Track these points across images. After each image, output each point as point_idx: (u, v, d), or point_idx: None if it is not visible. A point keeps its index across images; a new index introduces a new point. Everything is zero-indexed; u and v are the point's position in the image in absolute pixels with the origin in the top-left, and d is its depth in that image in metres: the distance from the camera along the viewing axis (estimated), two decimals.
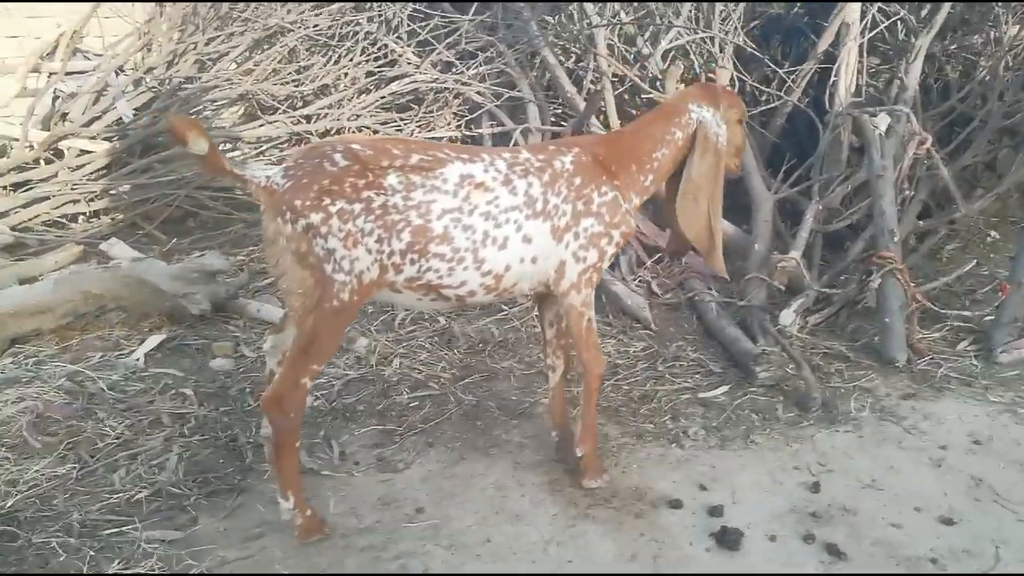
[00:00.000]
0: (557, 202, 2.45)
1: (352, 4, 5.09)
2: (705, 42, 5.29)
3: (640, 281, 4.18)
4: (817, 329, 3.68)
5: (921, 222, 4.29)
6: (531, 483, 2.67)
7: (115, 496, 2.57)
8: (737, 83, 5.04)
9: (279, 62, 5.27)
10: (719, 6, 5.32)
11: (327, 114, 5.19)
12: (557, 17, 5.64)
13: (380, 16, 5.20)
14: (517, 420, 3.07)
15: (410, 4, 5.09)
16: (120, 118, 5.18)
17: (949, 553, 2.28)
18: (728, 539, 2.33)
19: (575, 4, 5.49)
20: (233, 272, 4.14)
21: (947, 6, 4.63)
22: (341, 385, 3.31)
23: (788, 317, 3.42)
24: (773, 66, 5.03)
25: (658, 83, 4.99)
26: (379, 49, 5.26)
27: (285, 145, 5.23)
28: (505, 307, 3.99)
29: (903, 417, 3.00)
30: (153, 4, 5.47)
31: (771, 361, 3.22)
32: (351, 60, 5.20)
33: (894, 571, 2.24)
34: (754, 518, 2.45)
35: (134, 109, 5.25)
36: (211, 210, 5.27)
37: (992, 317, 3.54)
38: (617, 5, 5.50)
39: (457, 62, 5.10)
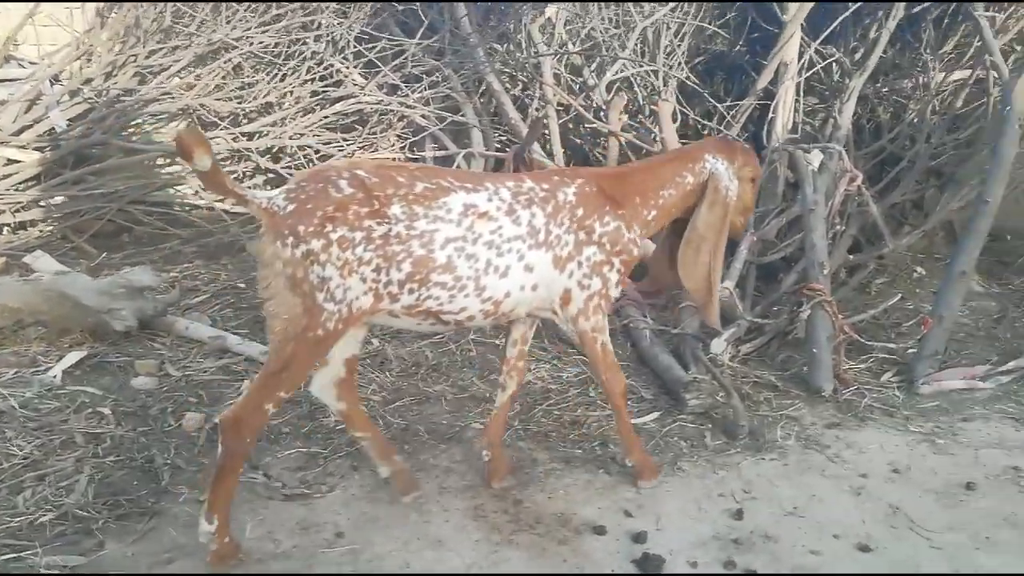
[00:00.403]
0: (559, 233, 2.51)
1: (300, 22, 5.05)
2: (649, 75, 5.40)
3: None
4: (748, 358, 3.73)
5: (851, 256, 4.40)
6: (455, 508, 2.62)
7: (17, 519, 2.45)
8: (679, 116, 5.15)
9: (222, 78, 5.21)
10: (663, 41, 5.44)
11: (269, 132, 5.13)
12: (505, 45, 5.70)
13: (327, 36, 5.17)
14: (446, 444, 3.03)
15: (357, 26, 5.07)
16: (53, 128, 5.05)
17: None
18: (649, 565, 2.32)
19: (523, 34, 5.57)
20: (163, 289, 4.04)
21: (878, 51, 4.80)
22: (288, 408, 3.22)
23: (719, 346, 3.46)
24: (714, 101, 5.14)
25: (602, 113, 5.07)
26: (324, 68, 5.23)
27: (226, 162, 5.15)
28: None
29: (827, 446, 3.04)
30: (94, 14, 5.36)
31: (701, 389, 3.25)
32: (296, 78, 5.16)
33: None
34: (677, 544, 2.44)
35: (68, 120, 5.12)
36: (146, 225, 5.16)
37: (915, 350, 3.64)
38: (565, 35, 5.59)
39: (402, 85, 5.09)
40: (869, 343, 3.71)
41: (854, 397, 3.38)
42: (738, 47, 5.76)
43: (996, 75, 4.35)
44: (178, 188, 5.37)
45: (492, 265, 2.40)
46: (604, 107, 5.04)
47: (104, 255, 4.85)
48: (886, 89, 5.33)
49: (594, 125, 5.00)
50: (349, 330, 2.32)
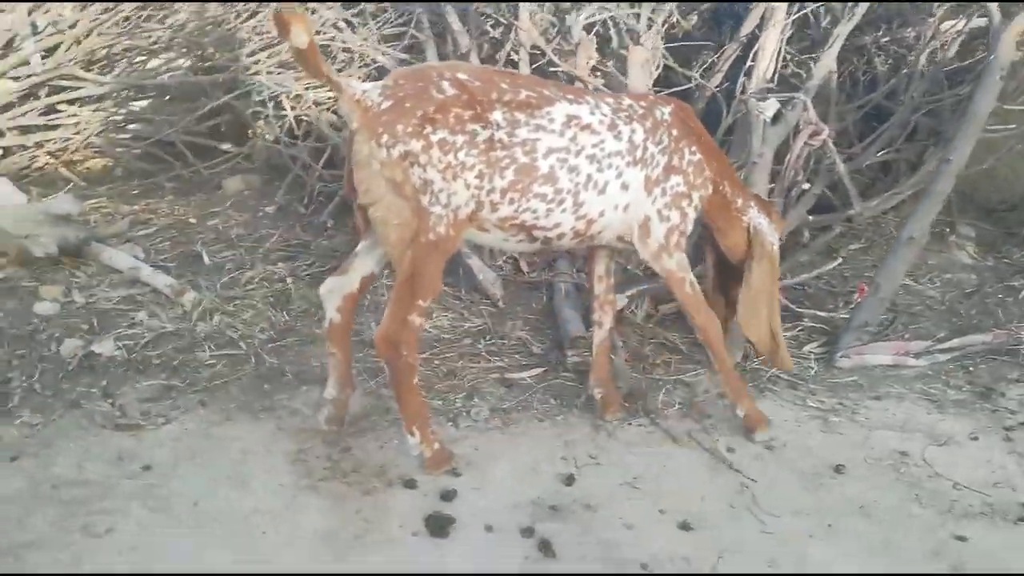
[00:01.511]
0: (655, 151, 2.46)
1: None
2: (631, 18, 5.06)
3: (508, 257, 4.01)
4: (667, 319, 3.48)
5: (811, 217, 4.04)
6: (279, 450, 2.54)
7: None
8: (661, 63, 4.82)
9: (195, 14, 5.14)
10: None
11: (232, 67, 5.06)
12: None
13: None
14: (308, 387, 2.93)
15: None
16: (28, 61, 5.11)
17: (667, 559, 2.11)
18: (435, 525, 2.18)
19: None
20: (86, 216, 4.05)
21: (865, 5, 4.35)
22: (152, 337, 3.20)
23: (619, 302, 3.22)
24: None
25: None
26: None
27: None
28: None
29: (708, 416, 2.81)
30: None
31: (582, 346, 3.04)
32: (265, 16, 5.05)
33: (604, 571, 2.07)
34: (486, 506, 2.30)
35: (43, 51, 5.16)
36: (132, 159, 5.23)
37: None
38: None
39: (357, 23, 4.92)
40: (799, 310, 3.41)
41: (762, 366, 3.11)
42: None
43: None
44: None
45: (592, 180, 2.33)
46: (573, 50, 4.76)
47: (86, 186, 4.94)
48: (887, 39, 4.85)
49: (560, 69, 4.72)
50: (461, 235, 2.27)
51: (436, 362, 3.11)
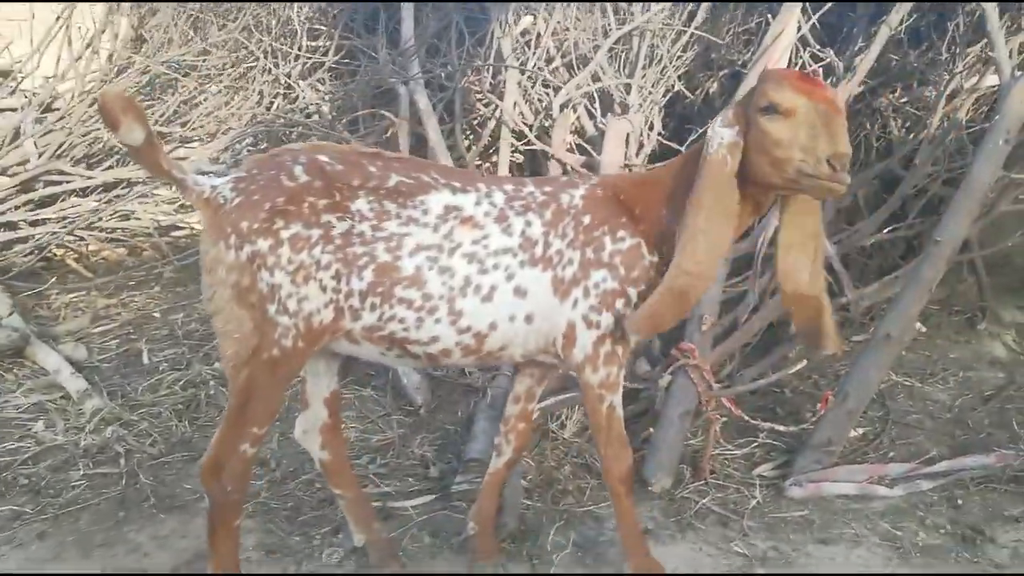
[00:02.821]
0: (561, 247, 2.00)
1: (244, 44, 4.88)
2: (621, 89, 4.72)
3: None
4: None
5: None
6: None
7: None
8: (647, 135, 4.44)
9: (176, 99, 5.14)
10: (642, 51, 4.76)
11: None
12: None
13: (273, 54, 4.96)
14: (166, 515, 2.62)
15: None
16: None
17: None
18: None
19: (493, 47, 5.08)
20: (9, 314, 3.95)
21: (874, 52, 3.86)
22: (35, 453, 2.99)
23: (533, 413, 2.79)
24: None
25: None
26: (275, 87, 5.04)
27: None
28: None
29: (607, 560, 2.32)
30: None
31: (473, 470, 2.62)
32: (245, 98, 5.01)
33: None
34: None
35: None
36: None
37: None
38: (552, 49, 5.03)
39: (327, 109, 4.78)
40: (753, 422, 2.87)
41: (692, 496, 2.59)
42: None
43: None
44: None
45: (472, 284, 1.93)
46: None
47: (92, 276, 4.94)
48: (904, 100, 4.30)
49: (533, 147, 4.41)
50: (311, 350, 1.94)
51: (317, 486, 2.75)
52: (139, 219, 5.41)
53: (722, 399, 2.83)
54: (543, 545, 2.39)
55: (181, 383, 3.54)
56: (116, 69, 5.14)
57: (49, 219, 5.06)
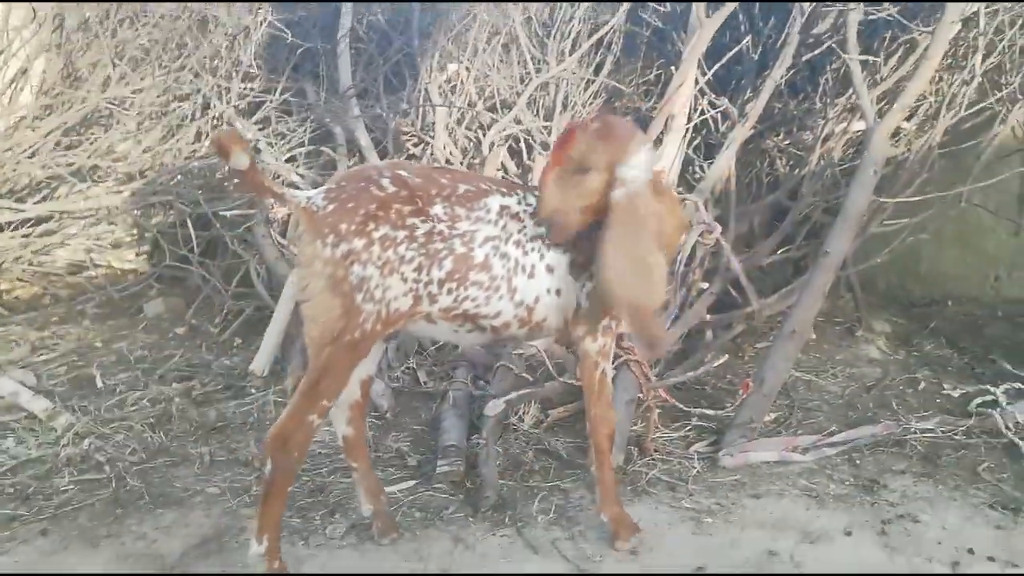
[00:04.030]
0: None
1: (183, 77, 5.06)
2: (543, 131, 5.22)
3: (407, 368, 3.94)
4: (558, 424, 3.39)
5: (709, 316, 4.03)
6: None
7: None
8: None
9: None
10: (559, 97, 5.30)
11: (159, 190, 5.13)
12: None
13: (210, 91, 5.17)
14: (164, 510, 2.80)
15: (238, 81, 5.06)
16: None
17: None
18: None
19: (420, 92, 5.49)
20: None
21: (762, 101, 4.53)
22: (13, 465, 3.07)
23: (495, 407, 3.15)
24: None
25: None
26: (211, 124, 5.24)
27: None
28: (252, 386, 3.78)
29: (577, 523, 2.69)
30: None
31: (452, 455, 2.94)
32: (177, 140, 5.17)
33: None
34: None
35: None
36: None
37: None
38: (474, 94, 5.49)
39: (272, 142, 5.04)
40: (687, 408, 3.34)
41: (642, 469, 3.01)
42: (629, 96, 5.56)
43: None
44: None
45: (520, 264, 2.32)
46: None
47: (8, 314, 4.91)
48: (787, 142, 5.01)
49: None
50: (386, 332, 2.27)
51: (305, 478, 2.99)
52: (54, 260, 5.46)
53: (659, 390, 3.29)
54: (528, 512, 2.73)
55: (146, 400, 3.68)
56: (45, 104, 5.20)
57: None
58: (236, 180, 2.21)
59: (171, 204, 5.02)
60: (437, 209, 2.28)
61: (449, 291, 2.28)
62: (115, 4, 5.23)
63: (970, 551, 2.48)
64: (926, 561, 2.43)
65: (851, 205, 3.55)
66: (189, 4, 4.80)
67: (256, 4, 4.84)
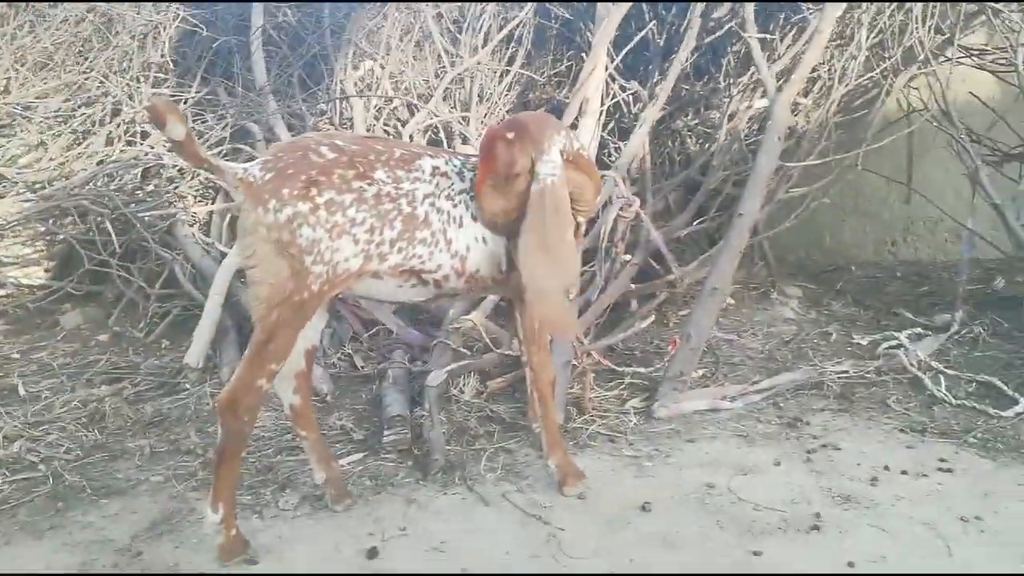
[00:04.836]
0: None
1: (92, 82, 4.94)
2: (462, 122, 5.33)
3: (343, 355, 3.97)
4: (497, 394, 3.48)
5: (634, 285, 4.20)
6: (59, 565, 2.36)
7: None
8: None
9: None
10: (475, 89, 5.42)
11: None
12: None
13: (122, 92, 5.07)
14: (108, 499, 2.76)
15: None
16: None
17: None
18: None
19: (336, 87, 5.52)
20: None
21: (670, 82, 4.76)
22: None
23: (437, 377, 3.23)
24: None
25: None
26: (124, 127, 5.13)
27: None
28: (186, 382, 3.74)
29: (525, 477, 2.79)
30: None
31: (396, 424, 3.00)
32: (89, 144, 5.05)
33: None
34: None
35: None
36: None
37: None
38: (389, 89, 5.55)
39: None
40: (619, 369, 3.49)
41: (582, 425, 3.13)
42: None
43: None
44: None
45: (451, 216, 2.42)
46: None
47: None
48: (696, 122, 5.26)
49: None
50: (333, 293, 2.35)
51: (252, 459, 2.98)
52: None
53: (593, 352, 3.43)
54: (476, 472, 2.81)
55: (75, 402, 3.59)
56: None
57: None
58: (174, 149, 2.23)
59: (85, 210, 4.88)
60: (380, 173, 2.36)
61: (400, 250, 2.36)
62: (12, 9, 5.09)
63: (886, 468, 2.69)
64: (848, 480, 2.63)
65: (760, 168, 3.78)
66: (95, 4, 4.69)
67: (166, 3, 4.77)
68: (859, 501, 2.50)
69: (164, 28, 4.72)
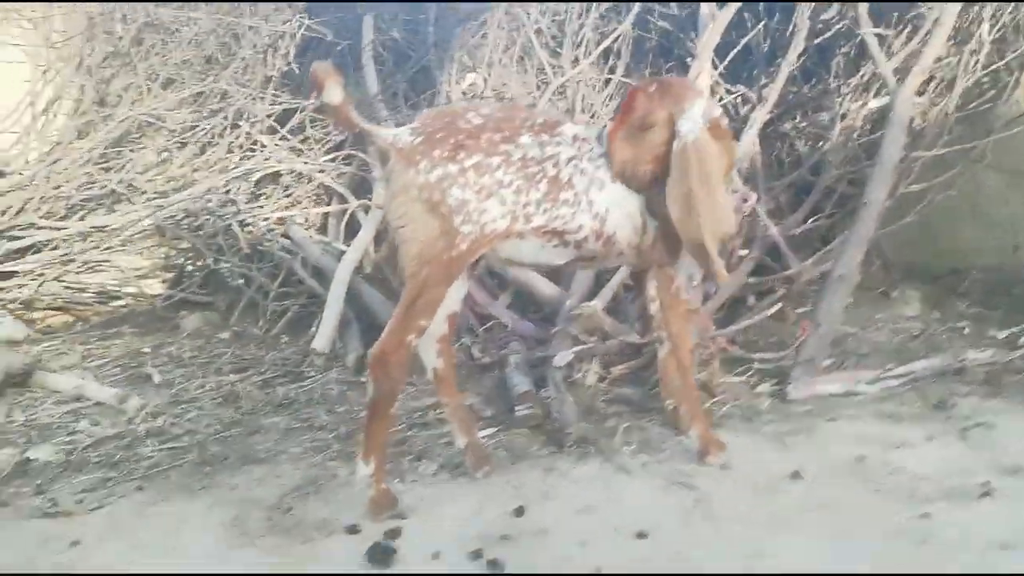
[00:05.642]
0: None
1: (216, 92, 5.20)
2: None
3: (460, 344, 4.01)
4: (620, 380, 3.44)
5: (751, 279, 4.13)
6: (215, 519, 2.43)
7: None
8: None
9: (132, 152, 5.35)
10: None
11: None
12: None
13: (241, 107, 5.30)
14: (252, 465, 2.83)
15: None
16: None
17: (622, 562, 2.00)
18: (376, 556, 2.07)
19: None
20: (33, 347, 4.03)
21: (780, 83, 4.72)
22: (92, 441, 3.10)
23: (563, 358, 3.23)
24: None
25: None
26: (243, 139, 5.36)
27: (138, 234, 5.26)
28: (311, 369, 3.83)
29: (662, 450, 2.74)
30: None
31: (529, 399, 3.01)
32: (213, 153, 5.29)
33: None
34: (432, 540, 2.19)
35: None
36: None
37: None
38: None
39: (304, 148, 5.17)
40: (747, 356, 3.42)
41: (714, 407, 3.07)
42: None
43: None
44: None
45: (594, 179, 2.44)
46: None
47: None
48: (805, 124, 5.19)
49: None
50: (479, 252, 2.39)
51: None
52: (83, 289, 5.51)
53: (719, 338, 3.38)
54: (611, 446, 2.78)
55: (208, 386, 3.72)
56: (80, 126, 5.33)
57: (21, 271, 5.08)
58: (328, 113, 2.32)
59: (210, 215, 5.09)
60: (525, 138, 2.41)
61: (544, 211, 2.40)
62: (147, 31, 5.41)
63: None
64: (1014, 454, 2.50)
65: (885, 157, 3.69)
66: (223, 18, 4.97)
67: (291, 10, 5.01)
68: None
69: (290, 36, 4.94)
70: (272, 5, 5.10)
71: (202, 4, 5.21)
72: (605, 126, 2.63)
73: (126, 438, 3.12)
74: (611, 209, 2.49)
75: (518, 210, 2.38)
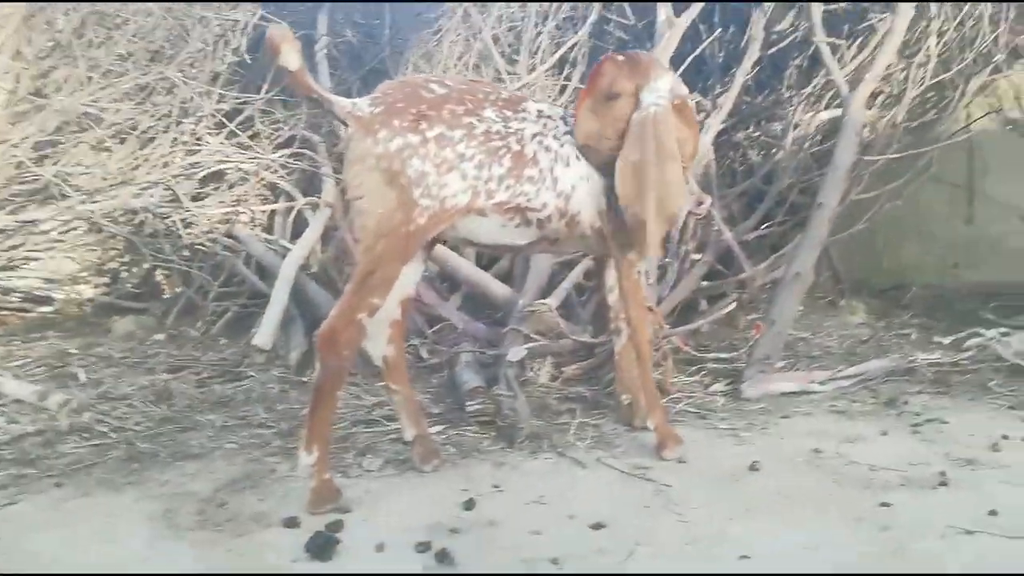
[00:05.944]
0: None
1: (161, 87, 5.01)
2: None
3: (409, 346, 3.88)
4: (573, 380, 3.36)
5: (704, 283, 4.11)
6: (145, 512, 2.26)
7: None
8: None
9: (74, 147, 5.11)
10: None
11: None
12: None
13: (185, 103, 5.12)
14: (184, 461, 2.66)
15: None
16: None
17: (580, 552, 1.90)
18: (317, 548, 1.93)
19: None
20: None
21: (734, 91, 4.74)
22: (9, 440, 2.89)
23: (516, 353, 3.14)
24: None
25: None
26: (187, 136, 5.16)
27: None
28: (249, 370, 3.66)
29: (617, 446, 2.66)
30: None
31: (479, 395, 2.91)
32: (155, 148, 5.08)
33: (510, 571, 1.85)
34: (376, 532, 2.05)
35: None
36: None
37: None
38: None
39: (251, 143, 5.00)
40: (700, 355, 3.38)
41: (669, 404, 3.01)
42: None
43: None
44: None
45: (559, 156, 2.39)
46: None
47: None
48: (757, 133, 5.23)
49: None
50: (439, 228, 2.29)
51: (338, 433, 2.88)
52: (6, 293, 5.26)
53: (673, 338, 3.33)
54: (565, 441, 2.69)
55: (139, 384, 3.53)
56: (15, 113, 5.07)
57: None
58: (286, 80, 2.22)
59: (148, 211, 4.89)
60: (489, 112, 2.33)
61: (508, 187, 2.32)
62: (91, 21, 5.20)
63: (1004, 437, 2.54)
64: (966, 447, 2.48)
65: (839, 161, 3.70)
66: (172, 7, 4.80)
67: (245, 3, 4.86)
68: (984, 463, 2.35)
69: (240, 30, 4.79)
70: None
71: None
72: (567, 108, 2.58)
73: (46, 434, 2.91)
74: (576, 187, 2.42)
75: (480, 185, 2.29)
